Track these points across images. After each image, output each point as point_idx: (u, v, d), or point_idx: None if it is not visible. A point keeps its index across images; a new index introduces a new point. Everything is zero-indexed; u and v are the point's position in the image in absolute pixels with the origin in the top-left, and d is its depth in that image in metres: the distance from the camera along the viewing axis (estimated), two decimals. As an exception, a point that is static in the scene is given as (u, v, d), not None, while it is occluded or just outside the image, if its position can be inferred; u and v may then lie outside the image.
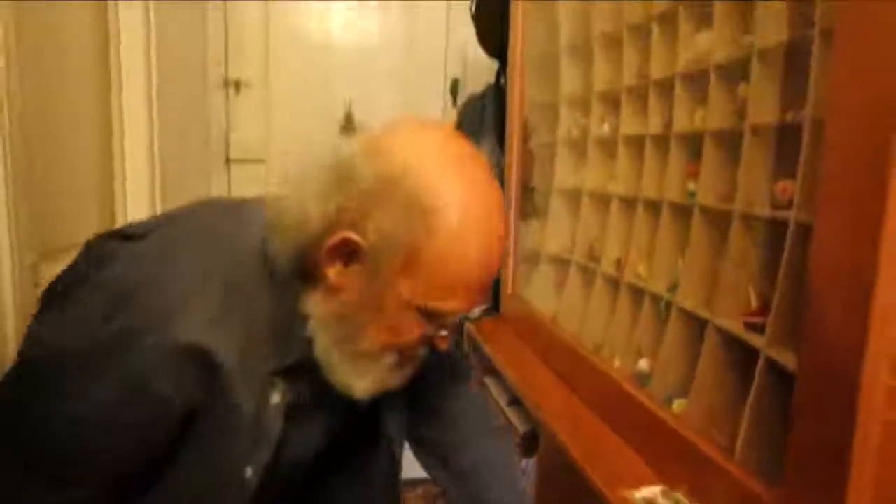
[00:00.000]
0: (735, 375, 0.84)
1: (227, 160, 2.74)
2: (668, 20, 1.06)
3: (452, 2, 2.70)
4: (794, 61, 0.77)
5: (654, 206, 1.10)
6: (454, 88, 2.65)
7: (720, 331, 0.87)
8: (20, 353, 0.69)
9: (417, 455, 0.90)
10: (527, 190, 1.62)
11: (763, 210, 0.83)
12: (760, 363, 0.76)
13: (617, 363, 1.14)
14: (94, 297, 0.66)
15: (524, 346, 1.46)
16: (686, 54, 1.01)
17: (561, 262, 1.44)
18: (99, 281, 0.67)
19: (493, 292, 1.71)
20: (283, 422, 0.71)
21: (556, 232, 1.47)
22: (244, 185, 2.66)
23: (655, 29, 1.09)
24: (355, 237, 0.63)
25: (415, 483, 2.07)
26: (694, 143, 0.99)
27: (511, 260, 1.64)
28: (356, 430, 0.82)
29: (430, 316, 0.66)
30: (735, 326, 0.84)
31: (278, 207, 0.67)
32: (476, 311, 0.67)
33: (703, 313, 0.91)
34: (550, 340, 1.35)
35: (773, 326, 0.76)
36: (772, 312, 0.76)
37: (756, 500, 0.70)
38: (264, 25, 2.70)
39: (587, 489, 0.89)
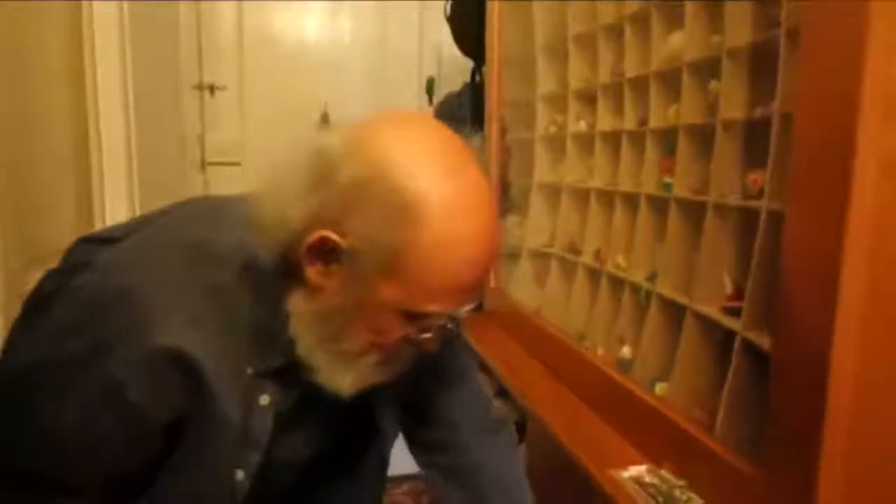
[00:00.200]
0: (714, 358, 0.89)
1: (203, 163, 2.73)
2: (640, 21, 1.10)
3: (425, 2, 2.72)
4: (761, 60, 0.82)
5: (631, 200, 1.14)
6: (430, 87, 2.66)
7: (698, 316, 0.92)
8: None
9: (417, 457, 0.89)
10: (504, 186, 1.66)
11: (735, 200, 0.87)
12: (737, 345, 0.81)
13: (600, 351, 1.18)
14: (69, 307, 0.65)
15: (509, 339, 1.50)
16: (659, 53, 1.05)
17: (542, 256, 1.48)
18: (73, 289, 0.66)
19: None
20: (273, 423, 0.70)
21: (536, 226, 1.51)
22: (221, 187, 2.66)
23: (628, 29, 1.14)
24: (334, 237, 0.61)
25: (400, 480, 2.10)
26: (668, 139, 1.04)
27: (493, 256, 1.67)
28: (349, 430, 0.82)
29: (412, 318, 0.63)
30: (712, 311, 0.89)
31: (260, 205, 0.64)
32: (463, 312, 0.66)
33: (682, 300, 0.96)
34: (535, 332, 1.39)
35: (748, 310, 0.80)
36: (746, 297, 0.81)
37: (736, 474, 0.75)
38: (238, 28, 2.69)
39: (576, 472, 0.93)
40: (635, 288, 1.10)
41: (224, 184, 2.64)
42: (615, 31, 1.19)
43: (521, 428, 1.31)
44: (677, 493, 0.83)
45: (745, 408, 0.79)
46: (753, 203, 0.82)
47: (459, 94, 2.17)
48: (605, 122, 1.24)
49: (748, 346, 0.79)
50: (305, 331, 0.66)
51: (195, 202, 0.82)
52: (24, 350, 0.67)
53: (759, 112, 0.84)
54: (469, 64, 2.09)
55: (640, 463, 0.90)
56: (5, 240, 1.18)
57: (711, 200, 0.91)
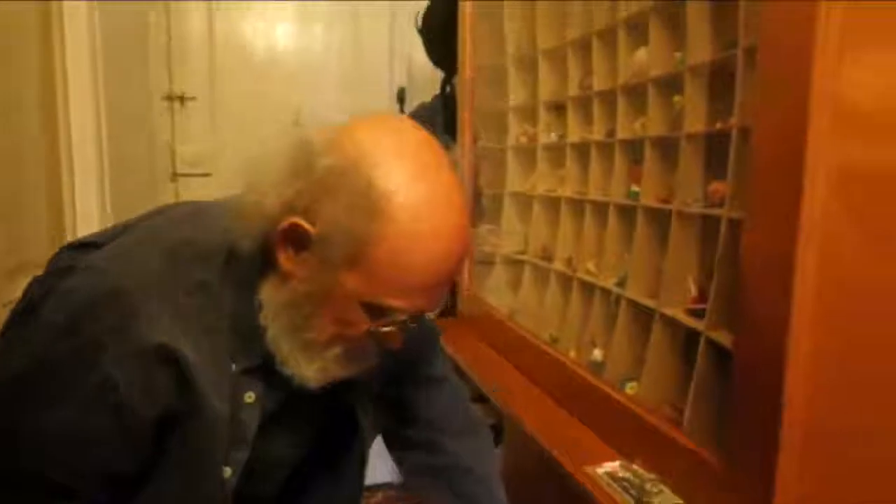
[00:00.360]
0: (680, 357, 0.94)
1: (174, 174, 2.71)
2: (607, 37, 1.15)
3: (396, 11, 2.76)
4: (721, 77, 0.88)
5: (600, 208, 1.19)
6: (401, 96, 2.69)
7: (665, 318, 0.97)
8: None
9: (398, 458, 0.91)
10: (477, 195, 1.70)
11: (698, 208, 0.92)
12: (702, 344, 0.85)
13: (573, 354, 1.22)
14: (57, 310, 0.67)
15: (484, 344, 1.53)
16: (625, 69, 1.10)
17: (515, 263, 1.52)
18: (61, 293, 0.67)
19: (451, 295, 1.78)
20: (259, 421, 0.72)
21: (509, 234, 1.55)
22: (192, 198, 2.65)
23: (596, 45, 1.19)
24: (304, 223, 0.62)
25: (374, 489, 2.12)
26: (635, 150, 1.09)
27: (467, 263, 1.71)
28: (332, 429, 0.84)
29: (375, 311, 0.64)
30: (678, 313, 0.94)
31: (240, 198, 0.66)
32: (432, 314, 0.67)
33: (650, 304, 1.01)
34: (509, 337, 1.43)
35: (711, 311, 0.85)
36: (710, 299, 0.86)
37: (703, 464, 0.79)
38: (208, 38, 2.68)
39: (554, 470, 0.97)
40: (605, 292, 1.15)
41: (195, 195, 2.62)
42: (583, 47, 1.24)
43: (497, 431, 1.35)
44: (648, 486, 0.87)
45: (710, 402, 0.83)
46: (715, 211, 0.87)
47: (431, 104, 2.21)
48: (575, 133, 1.29)
49: (712, 345, 0.84)
50: (273, 318, 0.67)
51: (175, 206, 0.83)
52: (15, 355, 0.69)
53: (719, 125, 0.89)
54: (440, 74, 2.13)
55: (614, 459, 0.95)
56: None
57: (676, 208, 0.96)
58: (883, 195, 0.66)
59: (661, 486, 0.87)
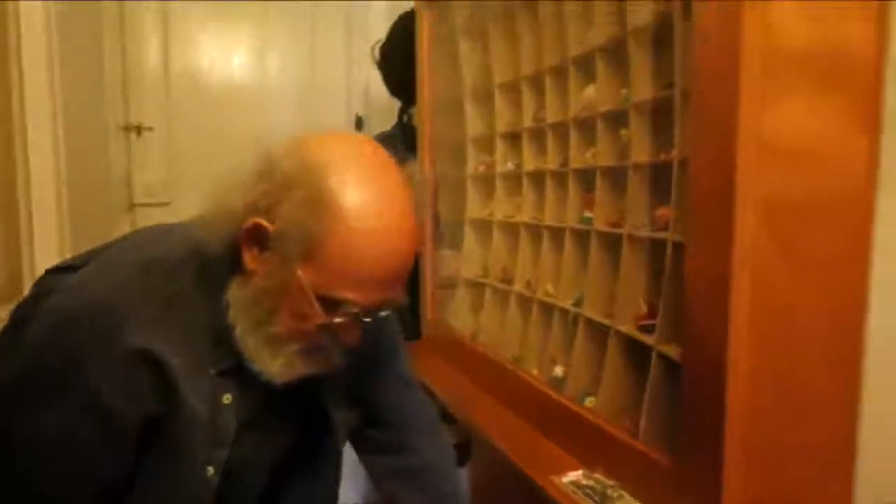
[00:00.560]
0: (635, 370, 1.01)
1: (132, 204, 2.70)
2: (559, 74, 1.24)
3: (352, 40, 2.82)
4: (662, 113, 0.96)
5: (557, 233, 1.26)
6: (358, 125, 2.75)
7: (620, 335, 1.04)
8: None
9: (370, 463, 0.96)
10: (438, 221, 1.77)
11: (646, 233, 1.00)
12: (654, 358, 0.93)
13: (535, 371, 1.29)
14: (41, 326, 0.71)
15: (449, 365, 1.58)
16: (576, 103, 1.19)
17: (477, 286, 1.58)
18: (44, 311, 0.72)
19: (415, 318, 1.83)
20: (238, 421, 0.76)
21: (470, 259, 1.62)
22: (153, 226, 2.64)
23: (549, 80, 1.27)
24: (264, 223, 0.68)
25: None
26: (588, 178, 1.17)
27: (430, 287, 1.77)
28: (306, 430, 0.88)
29: (329, 304, 0.69)
30: (631, 330, 1.01)
31: (209, 205, 0.72)
32: (380, 312, 0.73)
33: (605, 321, 1.08)
34: (473, 357, 1.49)
35: (660, 327, 0.93)
36: (659, 316, 0.93)
37: (657, 468, 0.86)
38: (164, 68, 2.70)
39: (521, 481, 1.03)
40: (564, 312, 1.22)
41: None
42: (536, 82, 1.33)
43: (465, 449, 1.39)
44: (609, 491, 0.94)
45: (663, 410, 0.91)
46: (661, 235, 0.95)
47: (391, 132, 2.27)
48: (531, 162, 1.37)
49: (662, 358, 0.91)
50: (238, 316, 0.73)
51: (146, 228, 0.89)
52: (2, 370, 0.73)
53: (662, 157, 0.98)
54: (397, 102, 2.19)
55: (577, 468, 1.01)
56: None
57: (626, 232, 1.03)
58: (804, 222, 0.75)
59: (621, 492, 0.93)
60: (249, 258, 0.71)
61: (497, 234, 1.49)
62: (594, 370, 1.11)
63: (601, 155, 1.12)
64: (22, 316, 0.76)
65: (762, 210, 0.72)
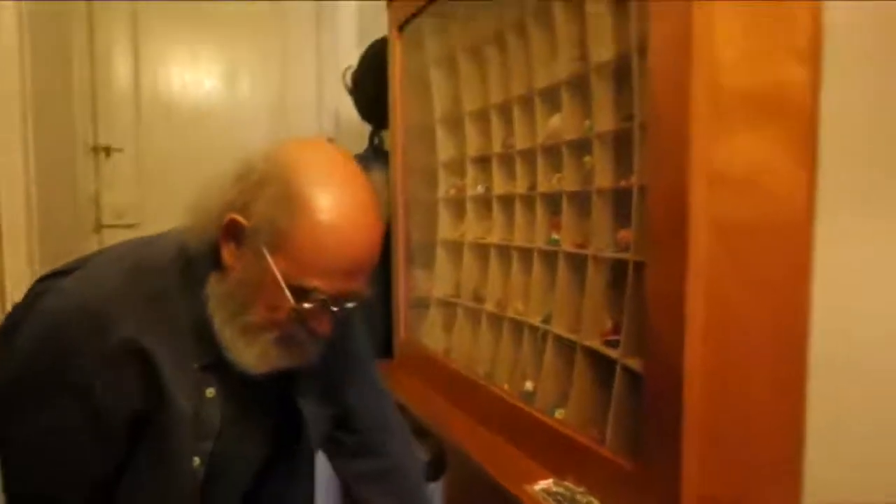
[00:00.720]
0: (601, 383, 1.07)
1: (99, 225, 2.69)
2: (526, 103, 1.31)
3: (323, 64, 2.87)
4: (622, 142, 1.03)
5: (525, 254, 1.33)
6: (330, 148, 2.77)
7: (586, 349, 1.10)
8: None
9: (342, 467, 1.02)
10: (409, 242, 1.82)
11: (610, 253, 1.07)
12: (618, 370, 0.99)
13: (506, 386, 1.34)
14: (34, 327, 0.76)
15: (422, 383, 1.63)
16: (543, 131, 1.26)
17: (449, 305, 1.64)
18: (37, 312, 0.78)
19: (387, 337, 1.88)
20: (220, 414, 0.81)
21: (442, 279, 1.67)
22: (119, 249, 2.63)
23: (516, 109, 1.35)
24: (241, 219, 0.75)
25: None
26: (554, 202, 1.23)
27: (402, 307, 1.82)
28: (286, 426, 0.92)
29: (298, 293, 0.74)
30: (597, 345, 1.07)
31: (192, 207, 0.79)
32: (347, 302, 0.80)
33: (573, 337, 1.14)
34: (446, 374, 1.54)
35: (624, 342, 0.99)
36: (623, 331, 1.00)
37: (623, 472, 0.92)
38: (134, 90, 2.71)
39: (495, 490, 1.08)
40: (533, 329, 1.28)
41: (120, 246, 2.61)
42: (505, 111, 1.40)
43: (439, 463, 1.44)
44: (579, 497, 0.99)
45: (627, 419, 0.97)
46: (623, 255, 1.02)
47: (364, 154, 2.31)
48: (500, 186, 1.43)
49: (626, 371, 0.98)
50: (217, 308, 0.79)
51: (138, 237, 0.95)
52: (2, 371, 0.76)
53: (623, 183, 1.05)
54: (367, 126, 2.24)
55: (548, 477, 1.06)
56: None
57: (591, 253, 1.10)
58: (751, 244, 0.82)
59: (590, 497, 0.99)
60: (227, 253, 0.77)
61: (468, 255, 1.55)
62: (563, 384, 1.17)
63: (567, 180, 1.19)
64: (14, 321, 0.81)
65: (713, 233, 0.79)
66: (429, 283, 1.73)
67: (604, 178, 1.08)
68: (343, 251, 0.75)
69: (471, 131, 1.54)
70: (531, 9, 1.25)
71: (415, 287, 1.80)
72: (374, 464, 1.00)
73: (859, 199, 0.89)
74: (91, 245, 2.62)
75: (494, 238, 1.44)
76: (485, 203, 1.49)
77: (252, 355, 0.78)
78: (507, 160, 1.40)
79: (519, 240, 1.34)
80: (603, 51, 1.05)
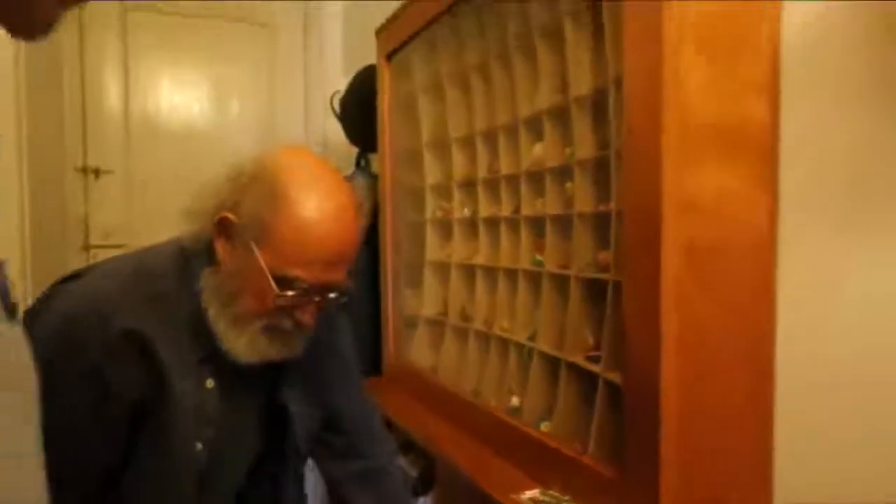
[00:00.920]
0: (584, 396, 1.13)
1: (87, 245, 2.71)
2: (510, 131, 1.38)
3: (310, 87, 2.93)
4: (601, 170, 1.10)
5: (511, 274, 1.38)
6: (318, 170, 2.82)
7: (570, 365, 1.16)
8: None
9: (330, 471, 1.08)
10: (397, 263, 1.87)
11: (590, 274, 1.13)
12: (600, 384, 1.05)
13: (493, 402, 1.39)
14: (47, 323, 0.83)
15: (411, 400, 1.68)
16: (526, 158, 1.33)
17: (437, 324, 1.69)
18: (48, 313, 0.85)
19: (376, 355, 1.92)
20: (220, 403, 0.88)
21: (430, 298, 1.73)
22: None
23: (501, 137, 1.41)
24: (231, 216, 0.84)
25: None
26: (538, 224, 1.30)
27: (391, 325, 1.87)
28: (272, 425, 0.99)
29: (282, 282, 0.82)
30: (580, 361, 1.13)
31: (188, 211, 0.88)
32: (332, 294, 0.87)
33: (557, 354, 1.19)
34: (434, 391, 1.59)
35: (605, 357, 1.05)
36: (603, 347, 1.05)
37: (605, 481, 0.98)
38: (124, 111, 2.75)
39: (483, 501, 1.12)
40: (519, 346, 1.33)
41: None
42: (490, 138, 1.47)
43: (427, 478, 1.48)
44: (564, 505, 1.05)
45: (609, 430, 1.02)
46: (603, 275, 1.08)
47: (352, 175, 2.37)
48: (486, 209, 1.49)
49: (608, 384, 1.03)
50: (210, 300, 0.86)
51: (136, 248, 1.02)
52: None
53: (602, 207, 1.11)
54: (355, 148, 2.31)
55: (535, 487, 1.11)
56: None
57: (573, 274, 1.16)
58: (719, 264, 0.89)
59: (574, 505, 1.04)
60: (220, 249, 0.86)
61: (455, 275, 1.60)
62: (548, 398, 1.23)
63: (549, 204, 1.25)
64: (33, 315, 0.87)
65: (684, 254, 0.86)
66: (417, 302, 1.78)
67: (584, 202, 1.15)
68: (322, 243, 0.83)
69: (457, 156, 1.60)
70: (514, 42, 1.32)
71: (403, 306, 1.85)
72: (360, 465, 1.07)
73: (822, 222, 0.96)
74: (80, 264, 2.64)
75: (481, 259, 1.50)
76: (471, 225, 1.55)
77: (242, 344, 0.86)
78: (493, 185, 1.46)
79: (504, 261, 1.40)
80: (582, 84, 1.13)
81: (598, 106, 1.09)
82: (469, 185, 1.56)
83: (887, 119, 0.88)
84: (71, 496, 0.78)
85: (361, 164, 2.31)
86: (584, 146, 1.14)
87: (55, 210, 2.47)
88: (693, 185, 0.87)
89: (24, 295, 1.90)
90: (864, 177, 0.88)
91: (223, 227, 0.85)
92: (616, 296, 1.01)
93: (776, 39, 0.90)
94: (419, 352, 1.75)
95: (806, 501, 0.93)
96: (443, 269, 1.67)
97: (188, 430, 0.86)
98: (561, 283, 1.21)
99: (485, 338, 1.46)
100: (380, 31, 1.85)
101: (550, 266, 1.24)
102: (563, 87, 1.19)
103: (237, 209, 0.84)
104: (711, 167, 0.88)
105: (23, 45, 1.98)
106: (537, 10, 1.24)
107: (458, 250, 1.60)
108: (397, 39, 1.75)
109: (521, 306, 1.33)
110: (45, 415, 0.82)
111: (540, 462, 1.15)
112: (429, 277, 1.73)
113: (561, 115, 1.21)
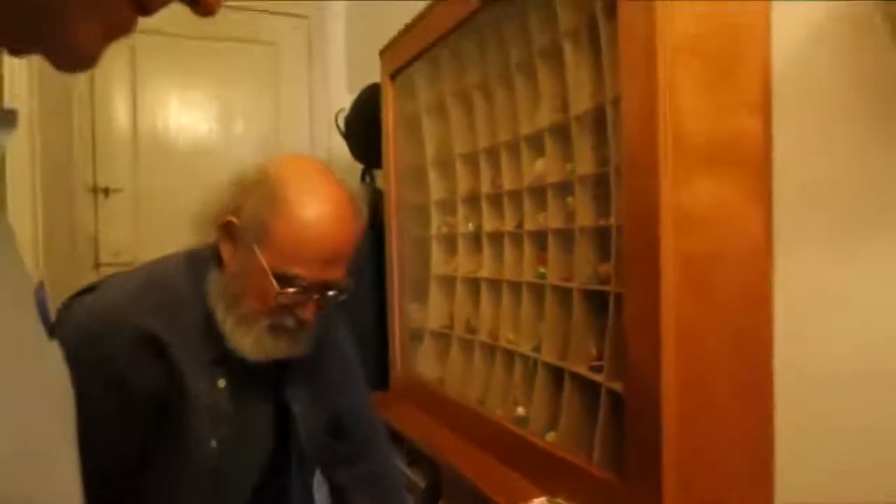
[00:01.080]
0: (588, 406, 1.15)
1: (97, 263, 2.75)
2: (512, 148, 1.42)
3: (315, 105, 2.98)
4: (601, 185, 1.14)
5: (515, 287, 1.41)
6: (323, 186, 2.86)
7: (574, 375, 1.18)
8: None
9: (333, 476, 1.11)
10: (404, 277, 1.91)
11: (592, 286, 1.16)
12: (603, 393, 1.07)
13: (498, 412, 1.42)
14: (64, 331, 0.86)
15: (417, 411, 1.70)
16: (528, 174, 1.37)
17: (443, 336, 1.72)
18: (65, 323, 0.87)
19: (382, 370, 1.95)
20: (232, 403, 0.91)
21: (435, 311, 1.76)
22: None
23: (504, 154, 1.45)
24: (234, 219, 0.88)
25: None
26: (541, 238, 1.33)
27: (397, 338, 1.90)
28: (281, 422, 1.02)
29: (283, 280, 0.85)
30: (583, 371, 1.16)
31: (196, 218, 0.93)
32: (330, 292, 0.91)
33: (561, 364, 1.22)
34: (441, 402, 1.61)
35: (607, 367, 1.07)
36: (606, 357, 1.08)
37: (609, 488, 1.00)
38: (132, 131, 2.79)
39: (491, 510, 1.15)
40: (524, 357, 1.35)
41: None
42: (493, 154, 1.50)
43: (434, 490, 1.50)
44: (570, 513, 1.07)
45: (613, 438, 1.05)
46: (605, 288, 1.11)
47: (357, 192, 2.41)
48: (489, 223, 1.52)
49: (610, 393, 1.06)
50: (217, 301, 0.90)
51: (145, 263, 1.06)
52: None
53: (602, 222, 1.15)
54: (359, 165, 2.35)
55: (541, 495, 1.13)
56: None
57: (576, 286, 1.19)
58: (716, 274, 0.92)
59: (580, 513, 1.07)
60: (225, 252, 0.90)
61: (460, 289, 1.63)
62: (553, 408, 1.25)
63: (552, 219, 1.28)
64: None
65: (682, 266, 0.89)
66: (423, 315, 1.81)
67: (585, 217, 1.18)
68: (320, 242, 0.86)
69: (461, 173, 1.64)
70: (516, 62, 1.37)
71: (410, 319, 1.88)
72: (362, 468, 1.10)
73: (815, 231, 0.99)
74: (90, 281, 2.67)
75: (485, 272, 1.53)
76: (475, 240, 1.59)
77: (249, 343, 0.89)
78: (496, 200, 1.49)
79: (508, 274, 1.43)
80: (581, 103, 1.16)
81: (598, 124, 1.13)
82: (473, 200, 1.60)
83: (878, 132, 0.91)
84: (95, 499, 0.81)
85: (366, 179, 2.35)
86: (585, 162, 1.17)
87: (66, 228, 2.51)
88: (689, 198, 0.90)
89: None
90: (855, 188, 0.92)
91: (227, 231, 0.89)
92: (617, 307, 1.04)
93: (767, 57, 0.94)
94: (425, 364, 1.77)
95: (806, 501, 0.96)
96: (448, 282, 1.71)
97: (203, 429, 0.89)
98: (564, 295, 1.24)
99: (490, 349, 1.49)
100: (384, 52, 1.90)
101: (553, 279, 1.27)
102: (564, 105, 1.22)
103: (240, 213, 0.88)
104: (707, 181, 0.91)
105: (36, 69, 2.03)
106: (538, 32, 1.28)
107: (463, 264, 1.63)
108: (401, 59, 1.80)
109: (525, 318, 1.36)
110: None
111: (546, 471, 1.17)
112: (434, 291, 1.76)
113: (561, 133, 1.24)
